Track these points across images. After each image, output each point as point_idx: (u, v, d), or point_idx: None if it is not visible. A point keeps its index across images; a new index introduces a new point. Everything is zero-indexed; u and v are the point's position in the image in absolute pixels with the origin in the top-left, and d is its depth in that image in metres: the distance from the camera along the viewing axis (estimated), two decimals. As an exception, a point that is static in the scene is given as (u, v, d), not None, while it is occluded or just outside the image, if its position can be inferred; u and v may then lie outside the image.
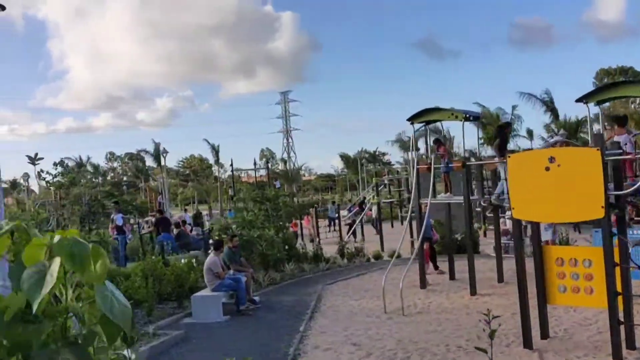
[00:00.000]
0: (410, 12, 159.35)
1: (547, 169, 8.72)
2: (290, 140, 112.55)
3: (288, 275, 16.70)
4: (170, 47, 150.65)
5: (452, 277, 15.31)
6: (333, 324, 11.67)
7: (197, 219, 33.73)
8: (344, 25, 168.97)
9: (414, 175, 13.63)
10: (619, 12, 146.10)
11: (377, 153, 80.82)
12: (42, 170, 38.60)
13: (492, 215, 15.29)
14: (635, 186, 8.59)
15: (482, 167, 14.02)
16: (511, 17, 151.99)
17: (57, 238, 1.98)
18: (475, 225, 23.15)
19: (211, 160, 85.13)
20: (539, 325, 9.61)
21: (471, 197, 13.84)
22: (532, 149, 24.78)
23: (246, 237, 15.50)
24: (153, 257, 13.24)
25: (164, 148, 39.51)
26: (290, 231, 19.98)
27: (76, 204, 29.43)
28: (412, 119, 14.12)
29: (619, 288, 8.44)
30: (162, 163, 43.35)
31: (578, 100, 11.39)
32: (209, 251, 14.68)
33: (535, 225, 9.63)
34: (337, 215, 30.84)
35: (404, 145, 58.80)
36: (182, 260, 14.50)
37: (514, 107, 45.14)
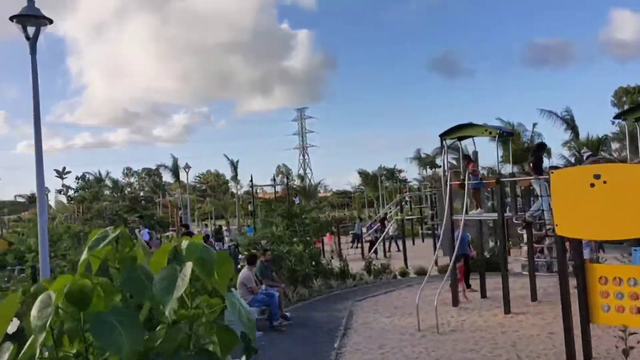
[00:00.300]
0: (427, 31, 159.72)
1: (592, 185, 8.61)
2: (306, 156, 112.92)
3: (316, 292, 16.63)
4: (187, 64, 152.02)
5: (483, 295, 15.13)
6: (367, 342, 11.54)
7: (218, 234, 33.78)
8: (360, 44, 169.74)
9: (447, 191, 13.52)
10: (636, 31, 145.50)
11: (394, 170, 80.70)
12: (64, 185, 38.88)
13: (522, 232, 15.13)
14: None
15: (515, 184, 13.89)
16: (528, 36, 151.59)
17: (185, 243, 1.97)
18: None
19: (227, 176, 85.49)
20: (581, 345, 9.44)
21: (505, 214, 13.70)
22: (558, 167, 24.58)
23: (276, 252, 15.47)
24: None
25: (187, 163, 39.70)
26: (315, 247, 19.94)
27: (99, 218, 29.64)
28: (444, 135, 14.06)
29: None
30: (184, 178, 43.56)
31: (617, 117, 11.28)
32: (238, 266, 14.65)
33: (578, 243, 9.50)
34: (361, 232, 30.75)
35: (422, 162, 58.69)
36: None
37: (534, 125, 44.89)
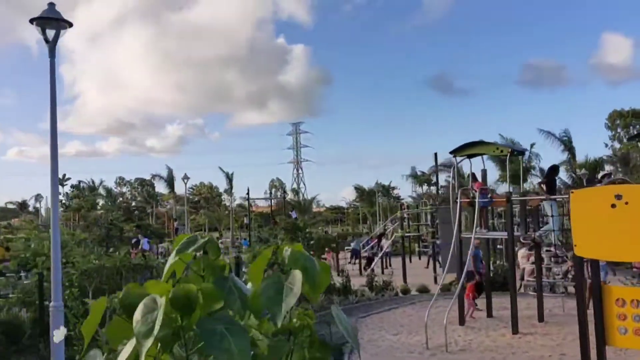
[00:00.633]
0: (422, 49, 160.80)
1: (614, 206, 8.53)
2: (300, 171, 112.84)
3: (318, 306, 16.42)
4: (183, 76, 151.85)
5: (489, 314, 14.99)
6: (375, 359, 11.38)
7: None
8: (355, 60, 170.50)
9: (458, 209, 13.41)
10: (626, 56, 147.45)
11: (390, 187, 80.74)
12: (60, 193, 38.56)
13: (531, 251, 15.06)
14: None
15: (525, 203, 13.81)
16: (522, 58, 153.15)
17: (288, 251, 1.88)
18: (498, 262, 22.80)
19: (221, 189, 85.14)
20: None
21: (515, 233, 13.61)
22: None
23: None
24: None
25: (185, 174, 39.42)
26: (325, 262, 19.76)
27: (95, 227, 29.37)
28: (455, 152, 13.97)
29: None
30: (181, 189, 43.23)
31: (631, 139, 11.25)
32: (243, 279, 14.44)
33: (595, 264, 9.40)
34: (360, 248, 30.63)
35: (418, 179, 58.74)
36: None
37: (532, 145, 45.12)
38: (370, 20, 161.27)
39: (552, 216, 12.75)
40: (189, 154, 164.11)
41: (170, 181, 62.38)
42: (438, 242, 25.50)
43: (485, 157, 15.13)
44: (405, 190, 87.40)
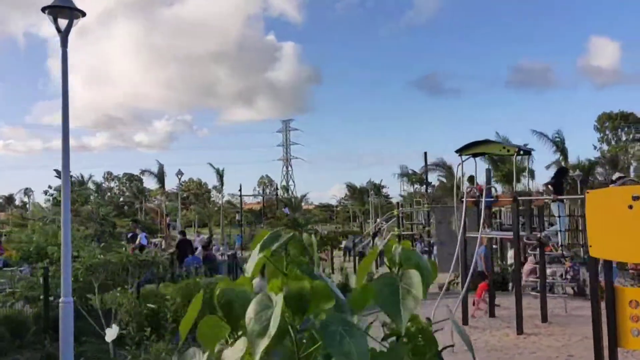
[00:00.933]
0: (414, 49, 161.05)
1: (631, 207, 8.49)
2: (290, 168, 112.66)
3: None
4: (171, 72, 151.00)
5: (492, 314, 14.95)
6: (381, 358, 11.28)
7: (209, 245, 33.30)
8: (346, 59, 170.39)
9: (463, 209, 13.33)
10: (614, 59, 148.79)
11: (381, 185, 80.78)
12: (50, 187, 38.15)
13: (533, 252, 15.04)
14: None
15: (531, 202, 13.78)
16: (512, 59, 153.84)
17: (399, 249, 1.80)
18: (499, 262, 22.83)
19: (210, 185, 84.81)
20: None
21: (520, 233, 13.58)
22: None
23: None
24: (198, 279, 12.87)
25: (179, 169, 39.13)
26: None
27: (88, 222, 29.06)
28: (460, 151, 13.88)
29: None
30: (173, 185, 42.91)
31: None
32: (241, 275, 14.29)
33: (608, 266, 9.38)
34: (353, 245, 30.64)
35: (411, 178, 58.78)
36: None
37: (525, 146, 45.19)
38: (361, 20, 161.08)
39: (560, 217, 12.72)
40: (177, 149, 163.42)
41: (160, 176, 61.91)
42: (432, 240, 25.54)
43: (477, 158, 15.05)
44: (394, 190, 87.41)
